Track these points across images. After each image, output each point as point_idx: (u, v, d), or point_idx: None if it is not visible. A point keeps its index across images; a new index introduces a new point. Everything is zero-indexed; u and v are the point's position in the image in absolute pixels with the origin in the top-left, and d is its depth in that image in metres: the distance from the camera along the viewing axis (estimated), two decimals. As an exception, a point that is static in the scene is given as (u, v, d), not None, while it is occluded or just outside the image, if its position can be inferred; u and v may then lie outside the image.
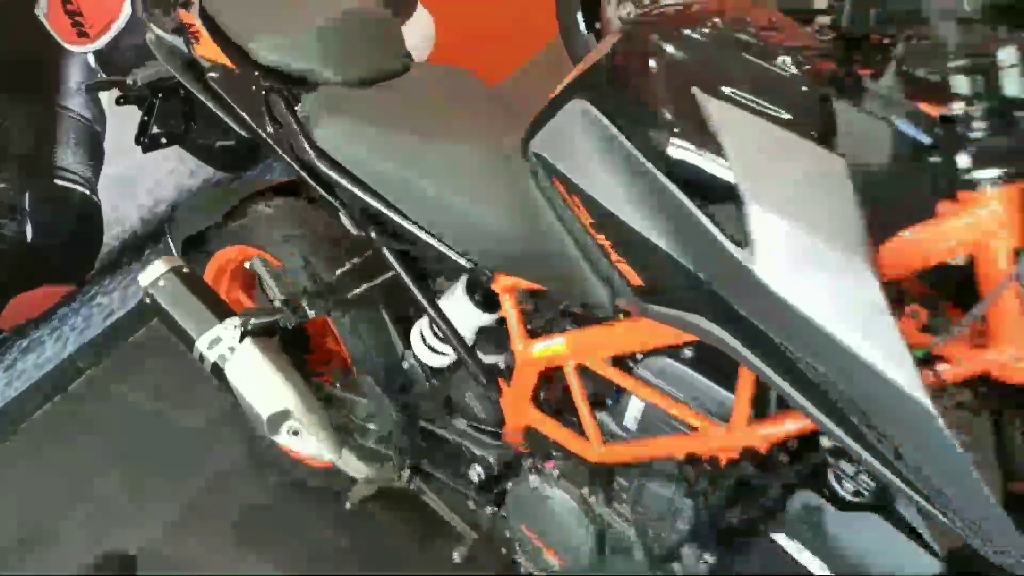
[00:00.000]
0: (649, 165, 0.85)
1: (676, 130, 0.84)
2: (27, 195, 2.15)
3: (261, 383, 1.41)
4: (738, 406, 0.96)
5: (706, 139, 0.81)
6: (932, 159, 0.81)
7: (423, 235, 1.16)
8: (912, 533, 0.83)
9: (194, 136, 1.68)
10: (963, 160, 0.78)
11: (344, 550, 1.73)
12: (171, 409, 2.22)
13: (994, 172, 0.77)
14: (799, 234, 0.74)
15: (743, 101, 0.81)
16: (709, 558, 1.03)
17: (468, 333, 1.31)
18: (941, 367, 0.86)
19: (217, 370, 1.44)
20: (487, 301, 1.25)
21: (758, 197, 0.76)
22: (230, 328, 1.44)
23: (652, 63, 0.88)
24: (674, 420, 1.04)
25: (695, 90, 0.83)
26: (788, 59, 0.86)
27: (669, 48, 0.88)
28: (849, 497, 0.84)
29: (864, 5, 0.81)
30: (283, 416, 1.41)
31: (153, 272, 1.48)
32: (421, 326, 1.40)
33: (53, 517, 1.98)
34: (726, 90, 0.83)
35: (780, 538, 0.90)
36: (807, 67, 0.85)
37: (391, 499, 1.69)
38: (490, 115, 1.28)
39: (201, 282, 1.52)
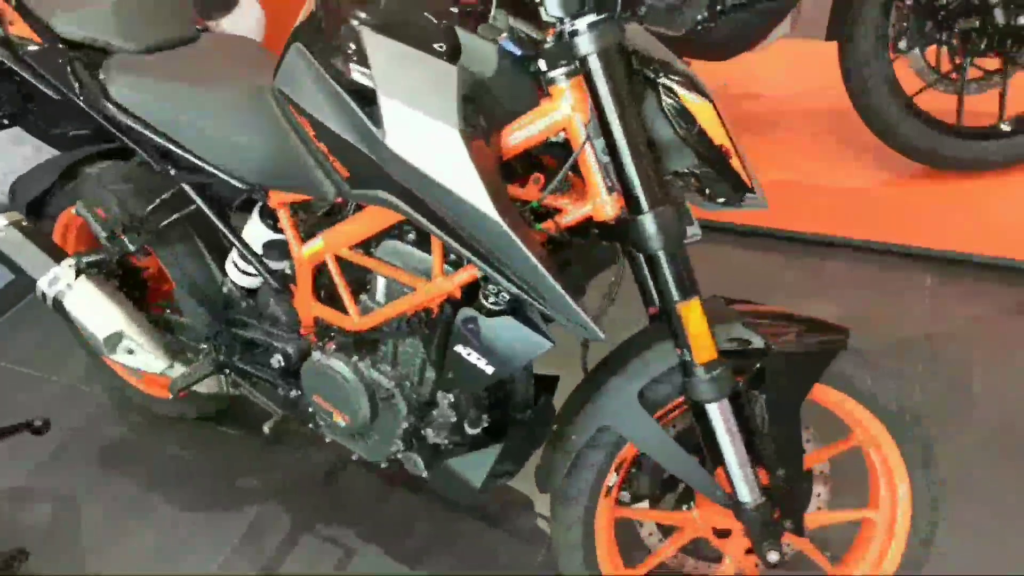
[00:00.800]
0: (334, 84, 1.18)
1: (348, 58, 1.16)
2: None
3: (96, 311, 1.68)
4: (434, 263, 1.29)
5: (364, 61, 1.14)
6: (530, 66, 1.15)
7: (203, 164, 1.45)
8: (534, 327, 1.19)
9: (37, 120, 1.91)
10: (542, 64, 1.13)
11: (188, 461, 2.03)
12: (44, 370, 2.44)
13: (561, 69, 1.12)
14: (410, 112, 1.08)
15: (391, 33, 1.14)
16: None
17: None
18: (559, 216, 1.22)
19: (58, 304, 1.70)
20: (277, 223, 1.56)
21: (386, 91, 1.09)
22: (66, 268, 1.70)
23: (340, 14, 1.20)
24: (403, 287, 1.37)
25: (361, 28, 1.16)
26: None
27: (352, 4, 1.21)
28: (489, 307, 1.19)
29: None
30: (117, 337, 1.69)
31: (-6, 226, 1.72)
32: (234, 256, 1.69)
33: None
34: (382, 27, 1.16)
35: (458, 348, 1.24)
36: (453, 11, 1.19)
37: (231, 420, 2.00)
38: (259, 68, 1.58)
39: (39, 232, 1.77)
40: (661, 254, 1.11)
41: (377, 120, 1.11)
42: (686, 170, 1.16)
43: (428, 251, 1.32)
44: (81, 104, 1.55)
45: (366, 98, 1.14)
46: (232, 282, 1.72)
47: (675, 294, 1.13)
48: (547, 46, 1.11)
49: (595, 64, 1.05)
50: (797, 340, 1.20)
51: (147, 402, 2.13)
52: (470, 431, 1.44)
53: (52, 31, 1.55)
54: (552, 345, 1.18)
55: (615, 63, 1.05)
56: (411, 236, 1.37)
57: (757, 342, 1.20)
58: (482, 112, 1.14)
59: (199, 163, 1.47)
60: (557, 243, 1.24)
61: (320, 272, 1.52)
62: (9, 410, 2.32)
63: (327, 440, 1.67)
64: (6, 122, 1.88)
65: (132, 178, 1.80)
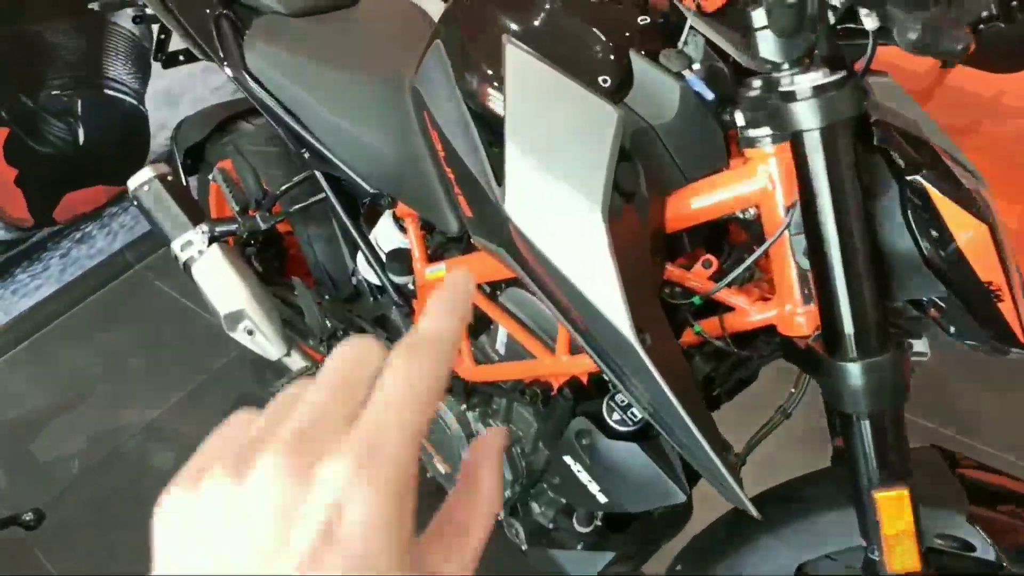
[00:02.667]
0: (464, 103, 0.92)
1: (484, 73, 0.89)
2: (79, 102, 2.38)
3: (221, 285, 1.58)
4: (560, 337, 1.02)
5: (500, 81, 0.86)
6: (722, 115, 0.83)
7: (328, 154, 1.26)
8: (667, 466, 0.89)
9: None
10: (740, 118, 0.80)
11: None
12: (198, 307, 2.46)
13: (765, 130, 0.79)
14: (541, 172, 0.79)
15: (543, 47, 0.86)
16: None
17: (397, 255, 1.41)
18: (728, 316, 0.90)
19: (187, 270, 1.62)
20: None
21: (515, 135, 0.81)
22: (199, 233, 1.60)
23: (480, 9, 0.93)
24: (524, 348, 1.12)
25: (504, 37, 0.88)
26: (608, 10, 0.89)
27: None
28: (613, 426, 0.90)
29: None
30: (238, 316, 1.58)
31: (140, 177, 1.65)
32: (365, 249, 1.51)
33: (87, 388, 2.28)
34: (531, 36, 0.87)
35: (568, 459, 0.98)
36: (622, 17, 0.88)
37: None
38: (414, 49, 1.35)
39: (182, 188, 1.69)
40: (865, 422, 0.77)
41: (498, 171, 0.84)
42: (925, 299, 0.80)
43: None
44: (219, 64, 1.40)
45: (496, 132, 0.87)
46: (363, 276, 1.55)
47: (873, 477, 0.79)
48: (751, 93, 0.78)
49: (813, 143, 0.71)
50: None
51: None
52: (579, 529, 1.19)
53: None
54: (686, 499, 0.88)
55: (844, 145, 0.71)
56: (545, 289, 1.10)
57: (985, 551, 0.84)
58: (647, 171, 0.83)
59: (323, 152, 1.28)
60: (715, 351, 0.93)
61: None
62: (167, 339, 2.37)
63: (427, 474, 1.49)
64: (181, 59, 1.80)
65: (280, 140, 1.66)
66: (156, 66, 1.79)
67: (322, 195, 1.47)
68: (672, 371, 0.79)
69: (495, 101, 0.88)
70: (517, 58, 0.85)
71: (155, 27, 1.69)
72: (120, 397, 2.22)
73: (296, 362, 1.64)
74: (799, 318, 0.85)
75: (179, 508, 0.28)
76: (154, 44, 1.79)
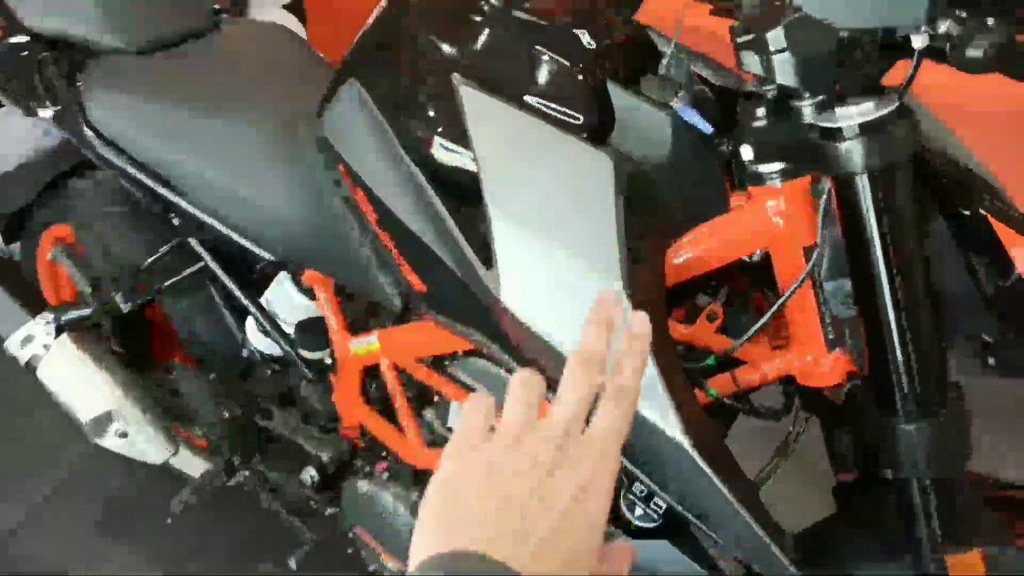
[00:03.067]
0: (409, 160, 0.74)
1: (433, 121, 0.72)
2: None
3: (80, 383, 1.30)
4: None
5: (460, 133, 0.70)
6: (720, 149, 0.72)
7: (208, 220, 1.04)
8: (703, 558, 0.77)
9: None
10: (747, 152, 0.69)
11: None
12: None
13: (776, 165, 0.69)
14: (546, 256, 0.64)
15: (504, 88, 0.70)
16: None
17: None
18: (741, 371, 0.80)
19: (31, 370, 1.32)
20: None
21: (502, 206, 0.65)
22: (41, 324, 1.31)
23: (412, 37, 0.76)
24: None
25: (455, 77, 0.71)
26: (570, 34, 0.75)
27: (430, 20, 0.76)
28: (636, 522, 0.77)
29: None
30: (107, 419, 1.30)
31: (-49, 265, 1.33)
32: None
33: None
34: (477, 70, 0.71)
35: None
36: (590, 45, 0.74)
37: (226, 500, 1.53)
38: (302, 82, 1.14)
39: (10, 270, 1.38)
40: (928, 483, 0.69)
41: (483, 252, 0.68)
42: (974, 335, 0.72)
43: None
44: (50, 122, 1.13)
45: (463, 193, 0.71)
46: (255, 346, 1.33)
47: (941, 539, 0.71)
48: (756, 123, 0.67)
49: (866, 186, 0.61)
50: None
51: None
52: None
53: (17, 22, 1.12)
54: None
55: (903, 186, 0.61)
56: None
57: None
58: (643, 220, 0.70)
59: (208, 221, 1.06)
60: (725, 410, 0.82)
61: (373, 369, 1.11)
62: None
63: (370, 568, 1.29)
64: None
65: (132, 200, 1.39)
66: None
67: (199, 264, 1.24)
68: (715, 457, 0.67)
69: (454, 155, 0.71)
70: (477, 104, 0.69)
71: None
72: None
73: (187, 461, 1.39)
74: (823, 368, 0.75)
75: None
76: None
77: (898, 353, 0.65)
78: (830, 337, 0.74)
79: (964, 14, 0.54)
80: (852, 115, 0.58)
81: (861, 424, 0.73)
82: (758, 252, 0.76)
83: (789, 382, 0.81)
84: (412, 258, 0.82)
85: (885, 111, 0.58)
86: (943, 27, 0.56)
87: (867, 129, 0.58)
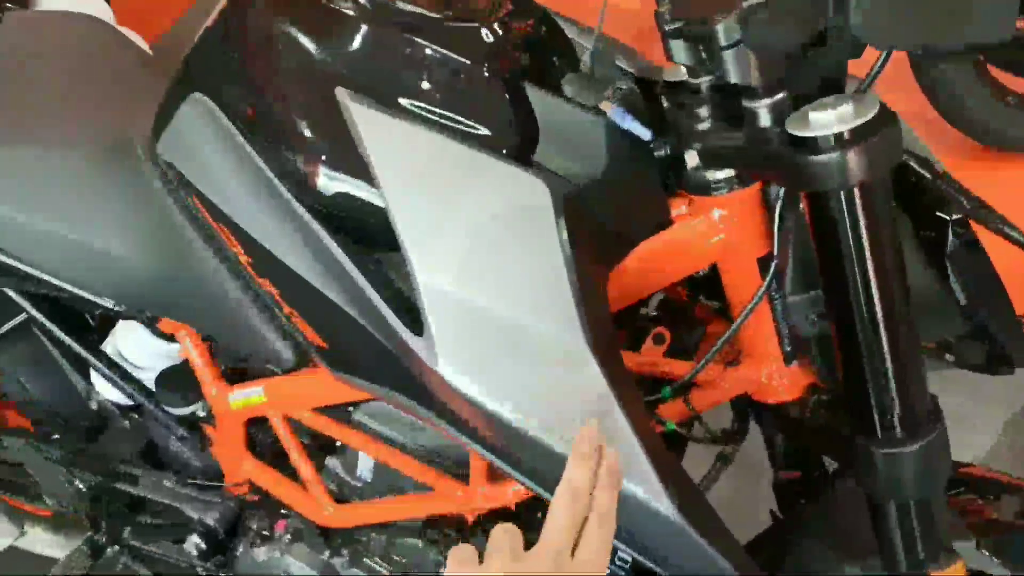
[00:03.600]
0: (285, 191, 0.60)
1: (311, 145, 0.58)
2: None
3: None
4: (475, 463, 0.77)
5: (354, 161, 0.56)
6: (658, 155, 0.62)
7: (29, 269, 0.84)
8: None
9: None
10: (691, 159, 0.60)
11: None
12: None
13: (726, 173, 0.60)
14: (488, 317, 0.52)
15: (398, 100, 0.57)
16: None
17: (160, 367, 1.02)
18: (695, 394, 0.72)
19: None
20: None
21: (426, 257, 0.53)
22: None
23: (267, 36, 0.61)
24: (406, 476, 0.84)
25: (340, 91, 0.57)
26: (472, 32, 0.62)
27: (289, 11, 0.61)
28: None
29: None
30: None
31: None
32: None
33: None
34: (364, 77, 0.58)
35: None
36: (496, 44, 0.62)
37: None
38: (128, 88, 0.95)
39: None
40: (911, 504, 0.64)
41: (410, 315, 0.55)
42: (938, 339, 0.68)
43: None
44: None
45: (363, 234, 0.58)
46: (104, 397, 1.13)
47: (922, 557, 0.66)
48: (701, 126, 0.59)
49: (843, 201, 0.53)
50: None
51: None
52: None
53: None
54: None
55: (883, 199, 0.54)
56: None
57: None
58: (583, 245, 0.60)
59: (28, 271, 0.86)
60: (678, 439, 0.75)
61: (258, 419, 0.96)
62: None
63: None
64: None
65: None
66: None
67: (21, 316, 1.02)
68: (692, 507, 0.59)
69: (352, 188, 0.58)
70: (373, 125, 0.55)
71: None
72: None
73: (37, 540, 1.17)
74: (781, 384, 0.69)
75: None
76: None
77: (880, 374, 0.58)
78: (787, 350, 0.68)
79: None
80: (829, 122, 0.50)
81: (816, 433, 0.68)
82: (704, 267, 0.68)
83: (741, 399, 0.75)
84: (304, 309, 0.68)
85: (867, 117, 0.50)
86: None
87: (847, 139, 0.50)
